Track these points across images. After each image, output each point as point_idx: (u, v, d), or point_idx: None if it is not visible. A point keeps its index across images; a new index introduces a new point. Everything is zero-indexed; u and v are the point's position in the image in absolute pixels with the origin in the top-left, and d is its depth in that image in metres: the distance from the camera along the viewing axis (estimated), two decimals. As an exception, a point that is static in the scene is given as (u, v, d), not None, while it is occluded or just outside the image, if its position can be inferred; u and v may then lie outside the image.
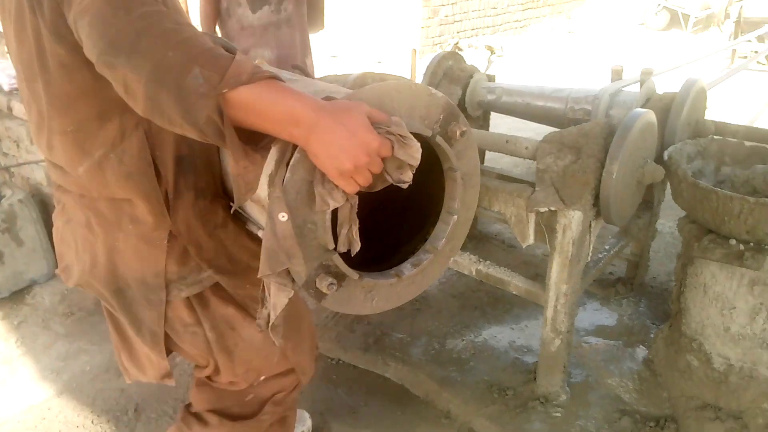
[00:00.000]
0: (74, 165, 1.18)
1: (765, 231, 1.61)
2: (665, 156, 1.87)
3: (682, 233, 1.89)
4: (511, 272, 2.06)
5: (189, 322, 1.33)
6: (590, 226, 1.81)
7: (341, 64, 8.45)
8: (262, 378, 1.49)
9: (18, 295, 2.89)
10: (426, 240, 1.29)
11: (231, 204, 1.31)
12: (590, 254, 1.92)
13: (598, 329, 2.44)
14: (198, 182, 1.26)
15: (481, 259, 2.14)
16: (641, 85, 2.19)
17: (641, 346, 2.28)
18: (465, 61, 2.67)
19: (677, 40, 10.03)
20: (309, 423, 2.05)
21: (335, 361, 2.39)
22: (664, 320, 2.40)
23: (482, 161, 2.78)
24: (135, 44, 0.92)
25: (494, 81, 2.64)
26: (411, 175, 1.07)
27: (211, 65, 0.92)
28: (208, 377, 1.49)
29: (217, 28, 3.12)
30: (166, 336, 1.34)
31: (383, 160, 1.00)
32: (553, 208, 1.75)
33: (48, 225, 2.95)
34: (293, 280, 1.08)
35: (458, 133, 1.21)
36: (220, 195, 1.31)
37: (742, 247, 1.69)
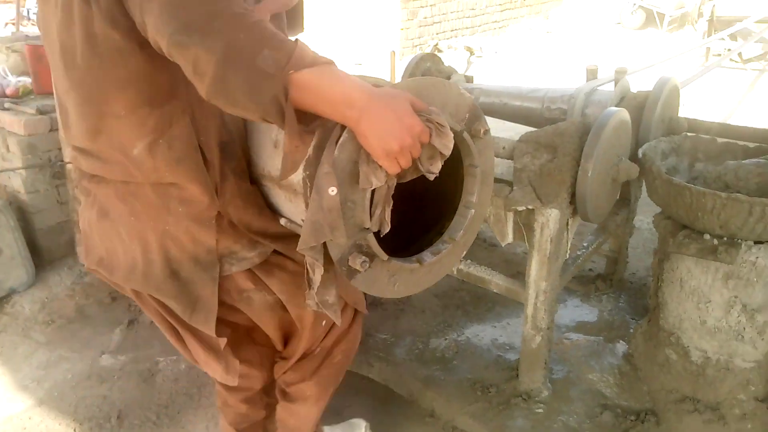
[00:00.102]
0: (128, 148, 1.21)
1: (737, 225, 1.65)
2: (640, 153, 1.90)
3: (658, 229, 1.92)
4: (491, 271, 2.07)
5: (245, 288, 1.38)
6: (567, 223, 1.83)
7: (321, 67, 8.40)
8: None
9: (-3, 305, 2.86)
10: (441, 233, 1.37)
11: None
12: (568, 251, 1.95)
13: (578, 325, 2.48)
14: (238, 167, 1.31)
15: (462, 259, 2.15)
16: (616, 84, 2.22)
17: (621, 341, 2.32)
18: (443, 63, 2.69)
19: (653, 38, 10.16)
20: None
21: (319, 364, 2.39)
22: (643, 315, 2.43)
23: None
24: (208, 25, 0.98)
25: (472, 82, 2.66)
26: (439, 166, 1.15)
27: (278, 48, 0.99)
28: (280, 357, 1.63)
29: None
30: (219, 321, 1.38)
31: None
32: (530, 207, 1.78)
33: (26, 232, 2.92)
34: (323, 258, 1.15)
35: (482, 131, 1.30)
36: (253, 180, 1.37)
37: (715, 241, 1.73)
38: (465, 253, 1.46)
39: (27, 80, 3.11)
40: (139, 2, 1.02)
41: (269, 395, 1.79)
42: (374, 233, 1.18)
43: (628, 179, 1.85)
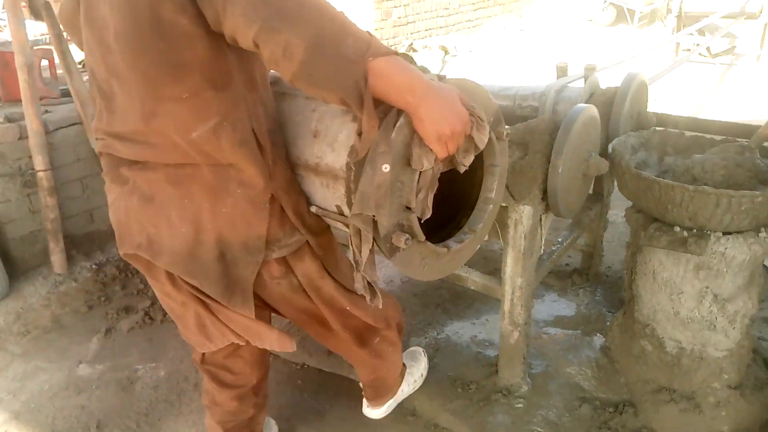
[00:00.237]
0: (187, 131, 1.24)
1: (705, 217, 1.68)
2: (609, 149, 1.93)
3: (630, 223, 1.96)
4: (468, 268, 2.09)
5: (277, 275, 1.46)
6: (541, 219, 1.85)
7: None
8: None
9: (-31, 317, 2.81)
10: (459, 227, 1.51)
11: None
12: (543, 247, 1.97)
13: (556, 320, 2.50)
14: (283, 153, 1.39)
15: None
16: (585, 81, 2.25)
17: (598, 334, 2.34)
18: (416, 62, 2.70)
19: (624, 35, 10.29)
20: (275, 429, 2.05)
21: (300, 366, 2.39)
22: (619, 308, 2.47)
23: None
24: (299, 13, 1.08)
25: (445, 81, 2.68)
26: (471, 159, 1.29)
27: (359, 37, 1.11)
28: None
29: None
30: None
31: None
32: (503, 204, 1.80)
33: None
34: (374, 230, 1.24)
35: (504, 134, 1.43)
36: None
37: (685, 233, 1.76)
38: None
39: (-6, 88, 3.07)
40: None
41: (257, 395, 1.83)
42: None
43: (598, 174, 1.87)
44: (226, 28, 1.13)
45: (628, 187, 1.84)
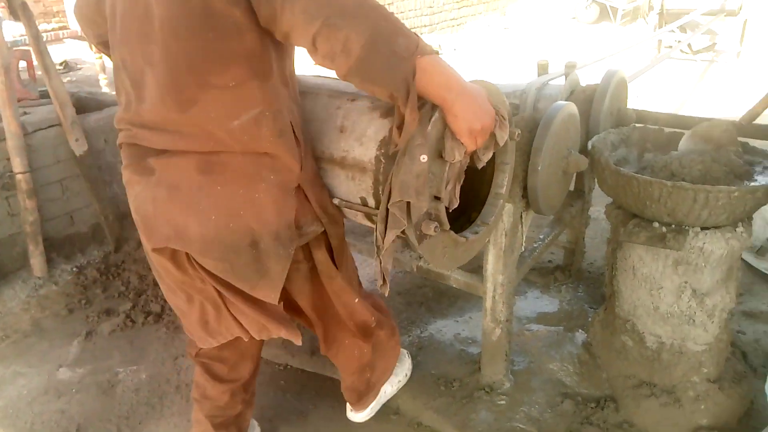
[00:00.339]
0: (228, 119, 1.29)
1: (684, 212, 1.69)
2: (589, 145, 1.94)
3: (610, 219, 1.96)
4: (450, 266, 2.09)
5: (297, 259, 1.51)
6: (521, 217, 1.86)
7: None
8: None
9: (-53, 322, 2.77)
10: (470, 221, 1.61)
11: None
12: (524, 244, 1.97)
13: (539, 316, 2.51)
14: (309, 148, 1.46)
15: (421, 256, 2.16)
16: (566, 78, 2.26)
17: (580, 330, 2.35)
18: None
19: (607, 32, 10.36)
20: (258, 430, 2.04)
21: (283, 367, 2.38)
22: (601, 304, 2.48)
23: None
24: (358, 12, 1.17)
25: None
26: (490, 156, 1.43)
27: (409, 36, 1.21)
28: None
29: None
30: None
31: None
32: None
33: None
34: (407, 217, 1.32)
35: (516, 134, 1.51)
36: None
37: (664, 229, 1.77)
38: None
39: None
40: None
41: (246, 391, 1.87)
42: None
43: (578, 171, 1.88)
44: (283, 24, 1.20)
45: (608, 183, 1.85)
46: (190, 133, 1.31)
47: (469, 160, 1.42)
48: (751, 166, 1.84)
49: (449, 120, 1.29)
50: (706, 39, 7.65)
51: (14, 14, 3.05)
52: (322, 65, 1.26)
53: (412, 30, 1.24)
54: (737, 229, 1.77)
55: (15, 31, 4.87)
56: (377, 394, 2.04)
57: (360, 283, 1.77)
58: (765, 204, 1.72)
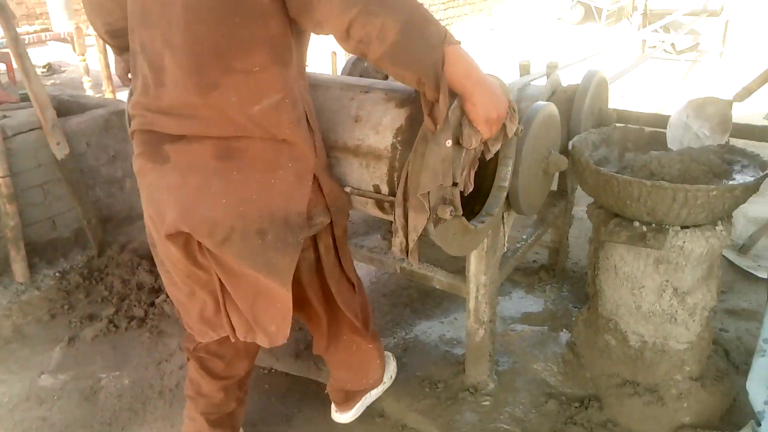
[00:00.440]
0: (249, 104, 1.31)
1: (663, 211, 1.70)
2: (569, 146, 1.94)
3: (591, 219, 1.97)
4: (433, 267, 2.08)
5: (303, 248, 1.49)
6: (503, 217, 1.86)
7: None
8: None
9: (-74, 330, 2.73)
10: (474, 213, 1.67)
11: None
12: (506, 245, 1.97)
13: (524, 316, 2.52)
14: (320, 138, 1.48)
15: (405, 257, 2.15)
16: (547, 79, 2.26)
17: (565, 330, 2.36)
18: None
19: (592, 32, 10.42)
20: (241, 434, 2.03)
21: (267, 371, 2.37)
22: (585, 303, 2.48)
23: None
24: (394, 0, 1.21)
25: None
26: (498, 147, 1.51)
27: (438, 26, 1.27)
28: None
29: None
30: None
31: None
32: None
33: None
34: (427, 205, 1.38)
35: (519, 130, 1.55)
36: None
37: (644, 228, 1.78)
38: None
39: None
40: None
41: (240, 389, 1.89)
42: None
43: (558, 171, 1.88)
44: (318, 12, 1.22)
45: (588, 183, 1.85)
46: (210, 117, 1.32)
47: (482, 149, 1.50)
48: (730, 165, 1.86)
49: (468, 108, 1.34)
50: (690, 39, 7.72)
51: (-7, 17, 3.01)
52: (353, 51, 1.28)
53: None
54: (717, 228, 1.78)
55: (-5, 34, 4.81)
56: (364, 395, 2.03)
57: (358, 278, 1.77)
58: (743, 202, 1.74)
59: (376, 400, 2.11)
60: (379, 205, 1.55)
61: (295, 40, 1.37)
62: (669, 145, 2.04)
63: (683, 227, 1.77)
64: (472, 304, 1.98)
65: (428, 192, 1.37)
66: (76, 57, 5.92)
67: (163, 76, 1.34)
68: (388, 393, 2.13)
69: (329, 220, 1.52)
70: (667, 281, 1.85)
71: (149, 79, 1.37)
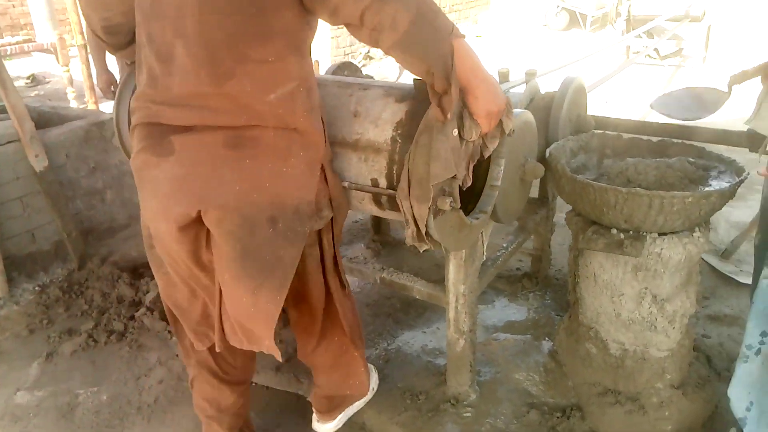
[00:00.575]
0: (265, 92, 1.32)
1: (640, 218, 1.69)
2: (547, 153, 1.94)
3: (570, 226, 1.96)
4: (413, 277, 2.07)
5: (309, 242, 1.53)
6: (480, 226, 1.84)
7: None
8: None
9: None
10: (466, 213, 1.65)
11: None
12: (485, 253, 1.96)
13: (507, 325, 2.50)
14: (325, 131, 1.49)
15: (384, 267, 2.14)
16: (526, 86, 2.26)
17: (547, 338, 2.35)
18: (361, 71, 2.68)
19: (577, 38, 10.48)
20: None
21: (247, 384, 2.33)
22: (567, 311, 2.48)
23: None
24: None
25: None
26: (495, 145, 1.55)
27: (446, 18, 1.31)
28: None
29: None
30: None
31: None
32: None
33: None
34: (431, 195, 1.40)
35: (511, 130, 1.57)
36: None
37: (622, 235, 1.77)
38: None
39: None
40: None
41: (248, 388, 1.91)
42: None
43: (535, 179, 1.88)
44: (330, 2, 1.26)
45: (565, 191, 1.85)
46: (222, 107, 1.32)
47: (481, 143, 1.53)
48: (706, 171, 1.86)
49: (470, 101, 1.39)
50: (673, 44, 7.77)
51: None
52: (366, 39, 1.32)
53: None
54: (694, 234, 1.78)
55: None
56: (348, 404, 2.02)
57: (347, 282, 1.77)
58: (720, 209, 1.74)
59: (357, 412, 2.09)
60: (376, 200, 1.56)
61: (308, 31, 1.40)
62: (651, 106, 2.17)
63: (661, 234, 1.76)
64: (451, 314, 1.96)
65: (438, 183, 1.40)
66: (59, 68, 5.88)
67: (172, 66, 1.34)
68: (370, 405, 2.10)
69: (332, 215, 1.54)
70: (645, 288, 1.84)
71: (156, 71, 1.36)
